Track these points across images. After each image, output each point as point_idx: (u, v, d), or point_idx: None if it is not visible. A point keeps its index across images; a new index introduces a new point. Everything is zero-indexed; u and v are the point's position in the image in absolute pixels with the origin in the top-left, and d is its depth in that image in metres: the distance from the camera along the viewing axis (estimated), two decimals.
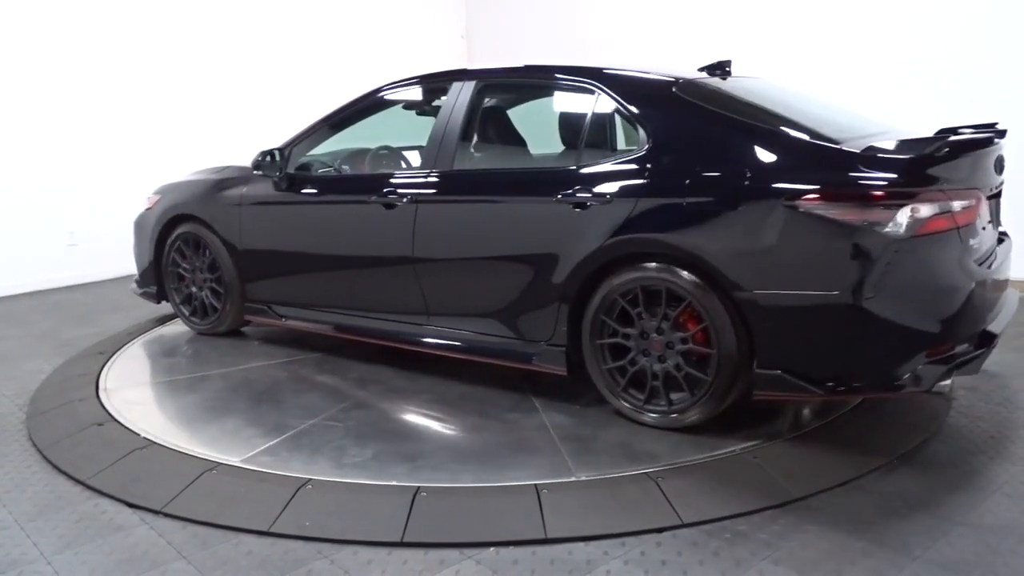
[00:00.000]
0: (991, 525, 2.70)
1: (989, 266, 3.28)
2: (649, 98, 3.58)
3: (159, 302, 5.39)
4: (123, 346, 5.01)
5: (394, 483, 3.06)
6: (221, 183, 5.00)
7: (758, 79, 4.08)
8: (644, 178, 3.39)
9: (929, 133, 3.24)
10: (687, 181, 3.27)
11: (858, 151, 3.05)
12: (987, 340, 3.17)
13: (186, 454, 3.36)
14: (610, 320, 3.48)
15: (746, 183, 3.15)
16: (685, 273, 3.25)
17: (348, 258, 4.43)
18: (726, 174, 3.21)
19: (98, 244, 7.32)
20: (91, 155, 7.25)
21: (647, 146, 3.43)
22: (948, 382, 3.03)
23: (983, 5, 5.83)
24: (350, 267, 4.45)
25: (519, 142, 4.29)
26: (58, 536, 2.81)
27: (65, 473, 3.29)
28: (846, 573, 2.46)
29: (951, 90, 5.94)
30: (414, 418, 3.78)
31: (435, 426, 3.68)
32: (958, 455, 3.24)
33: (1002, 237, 3.71)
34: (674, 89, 3.54)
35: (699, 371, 3.30)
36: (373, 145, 4.94)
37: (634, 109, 3.54)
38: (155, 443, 3.47)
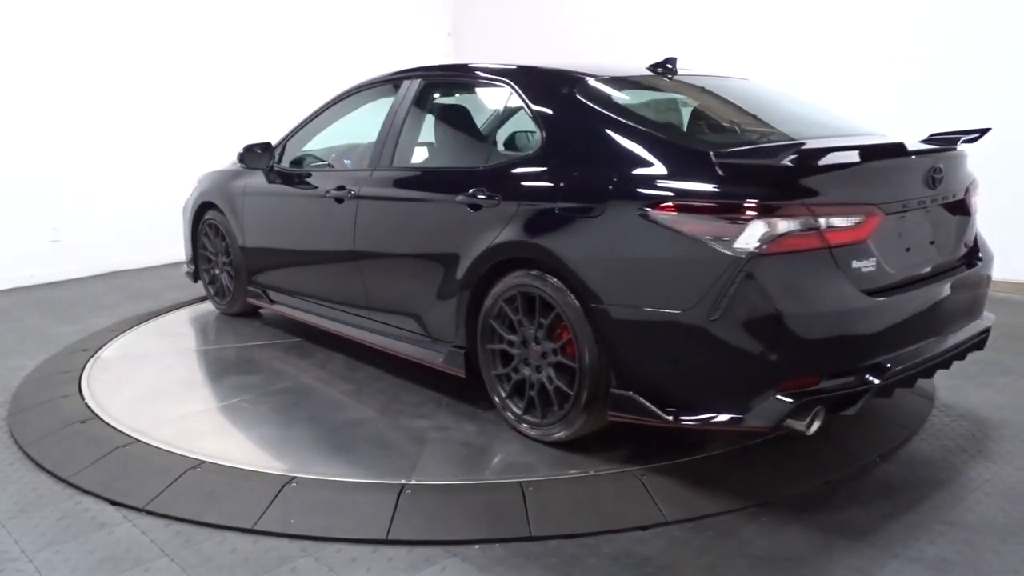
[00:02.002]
0: (972, 523, 2.73)
1: (920, 288, 3.00)
2: (549, 99, 3.46)
3: (196, 281, 5.84)
4: (107, 343, 4.98)
5: (379, 480, 3.06)
6: (235, 174, 5.23)
7: (716, 77, 4.00)
8: (529, 180, 3.33)
9: (922, 136, 3.20)
10: (562, 184, 3.20)
11: (721, 160, 2.84)
12: (878, 375, 2.79)
13: (169, 451, 3.34)
14: (499, 326, 3.43)
15: (610, 189, 3.01)
16: (554, 280, 3.16)
17: (313, 248, 4.61)
18: (595, 179, 3.09)
19: (82, 240, 7.27)
20: (77, 149, 7.19)
21: (538, 148, 3.38)
22: (807, 421, 2.68)
23: (988, 6, 5.87)
24: (314, 257, 4.62)
25: (447, 141, 4.26)
26: (40, 534, 2.79)
27: (47, 471, 3.27)
28: (828, 570, 2.47)
29: (958, 91, 5.99)
30: (317, 408, 3.86)
31: (329, 417, 3.73)
32: (940, 454, 3.27)
33: (973, 260, 3.37)
34: (574, 90, 3.41)
35: (569, 386, 3.18)
36: (368, 140, 4.98)
37: (536, 109, 3.46)
38: (139, 440, 3.46)
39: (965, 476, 3.08)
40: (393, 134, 4.10)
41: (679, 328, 2.81)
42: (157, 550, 2.67)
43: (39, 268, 7.05)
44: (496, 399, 3.51)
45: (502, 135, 3.67)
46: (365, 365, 4.43)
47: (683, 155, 3.00)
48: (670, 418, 2.89)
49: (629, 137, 3.13)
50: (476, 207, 3.46)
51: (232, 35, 8.13)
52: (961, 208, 3.30)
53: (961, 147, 3.29)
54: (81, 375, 4.36)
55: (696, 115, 3.66)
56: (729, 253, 2.68)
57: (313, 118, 4.81)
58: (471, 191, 3.48)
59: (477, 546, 2.66)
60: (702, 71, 4.03)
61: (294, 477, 3.08)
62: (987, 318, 3.51)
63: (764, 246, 2.65)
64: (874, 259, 2.84)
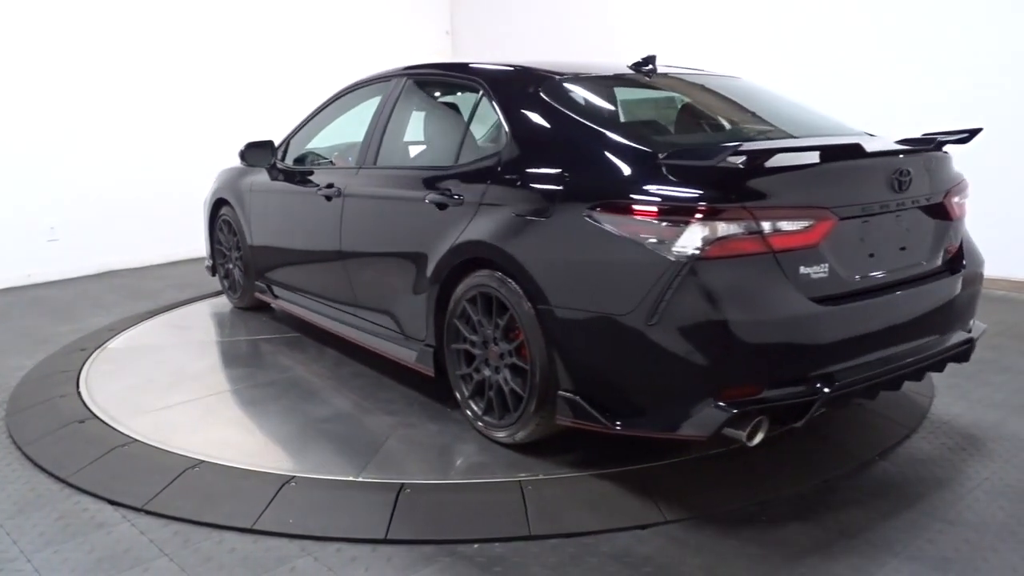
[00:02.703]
0: (971, 521, 2.73)
1: (885, 296, 2.90)
2: (515, 98, 3.42)
3: (213, 275, 5.97)
4: (104, 342, 4.98)
5: (378, 480, 3.07)
6: (244, 171, 5.31)
7: (699, 75, 3.95)
8: (490, 179, 3.30)
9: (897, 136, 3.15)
10: (519, 184, 3.18)
11: (667, 160, 2.80)
12: (828, 386, 2.70)
13: (168, 451, 3.34)
14: (462, 326, 3.42)
15: (561, 189, 2.99)
16: (509, 281, 3.12)
17: (307, 245, 4.68)
18: (548, 179, 3.07)
19: (80, 240, 7.25)
20: (74, 148, 7.17)
21: (502, 148, 3.35)
22: (748, 432, 2.62)
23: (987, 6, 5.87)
24: (309, 254, 4.68)
25: (424, 139, 4.28)
26: (39, 534, 2.79)
27: (46, 470, 3.26)
28: (827, 568, 2.47)
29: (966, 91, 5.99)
30: (293, 402, 3.93)
31: (298, 413, 3.79)
32: (939, 452, 3.27)
33: (957, 267, 3.21)
34: (539, 89, 3.37)
35: (522, 388, 3.14)
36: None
37: (503, 109, 3.43)
38: (137, 440, 3.46)
39: (964, 474, 3.08)
40: (377, 133, 4.14)
41: (619, 332, 2.76)
42: (156, 550, 2.66)
43: (37, 267, 7.04)
44: (459, 397, 3.51)
45: (473, 134, 3.67)
46: (352, 361, 4.50)
47: (632, 155, 2.93)
48: (625, 423, 2.84)
49: (584, 137, 3.10)
50: (443, 206, 3.47)
51: (230, 33, 8.12)
52: (941, 212, 3.14)
53: (938, 148, 3.16)
54: (79, 374, 4.35)
55: (662, 114, 3.63)
56: (668, 257, 2.62)
57: (313, 116, 4.88)
58: (439, 190, 3.50)
59: (476, 545, 2.65)
60: (688, 69, 4.01)
61: (293, 477, 3.08)
62: (976, 328, 3.37)
63: (703, 250, 2.58)
64: (826, 265, 2.74)
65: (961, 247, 3.29)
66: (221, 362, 4.63)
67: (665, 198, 2.69)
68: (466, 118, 3.69)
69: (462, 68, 3.88)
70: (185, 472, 3.14)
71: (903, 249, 3.02)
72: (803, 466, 3.14)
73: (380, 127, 4.14)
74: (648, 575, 2.46)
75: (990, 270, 5.80)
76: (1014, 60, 5.68)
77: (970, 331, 3.33)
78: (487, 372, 3.34)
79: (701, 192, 2.64)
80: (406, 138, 4.23)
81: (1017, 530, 2.67)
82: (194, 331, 5.31)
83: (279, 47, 8.46)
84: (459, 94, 4.01)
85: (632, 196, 2.76)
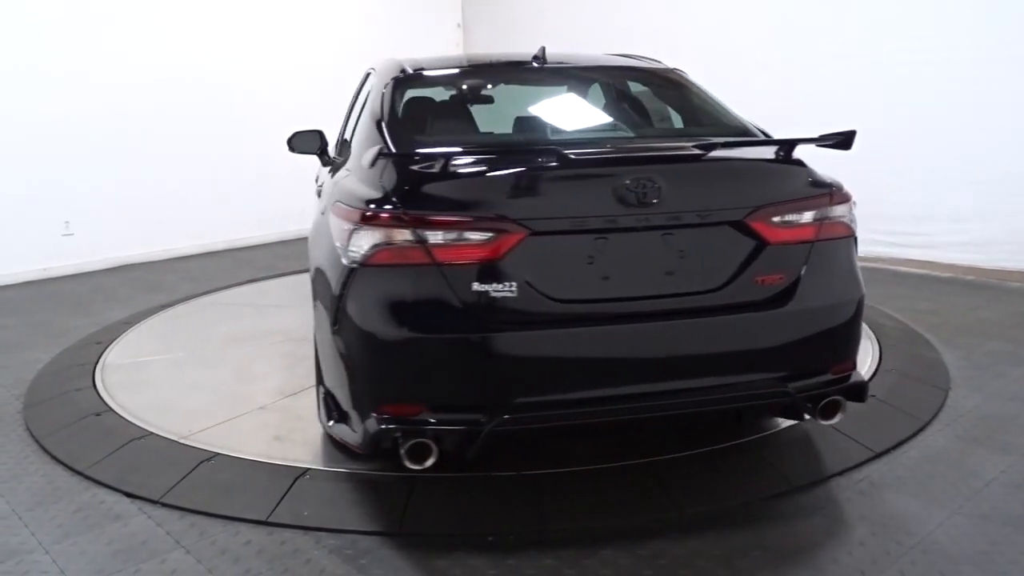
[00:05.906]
0: (986, 514, 2.72)
1: (623, 324, 2.53)
2: (378, 93, 3.36)
3: None
4: (120, 335, 5.01)
5: (392, 473, 3.08)
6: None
7: (600, 68, 3.79)
8: (332, 174, 3.34)
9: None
10: (336, 179, 3.19)
11: (368, 164, 2.79)
12: (501, 416, 2.45)
13: (184, 444, 3.36)
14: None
15: (335, 186, 3.02)
16: None
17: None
18: (340, 176, 3.10)
19: (95, 234, 7.29)
20: (88, 143, 7.19)
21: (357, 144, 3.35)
22: (403, 452, 2.46)
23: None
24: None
25: (352, 133, 4.29)
26: (56, 526, 2.82)
27: (63, 463, 3.29)
28: (840, 561, 2.47)
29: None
30: (256, 381, 4.15)
31: (244, 390, 4.01)
32: (954, 444, 3.25)
33: (782, 300, 2.62)
34: (390, 85, 3.31)
35: None
36: None
37: (370, 103, 3.40)
38: (153, 433, 3.48)
39: (980, 467, 3.06)
40: (344, 128, 4.24)
41: (326, 334, 2.74)
42: (172, 542, 2.69)
43: (52, 262, 7.07)
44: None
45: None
46: None
47: (382, 154, 2.85)
48: (324, 424, 2.84)
49: (378, 133, 3.02)
50: (319, 196, 3.53)
51: (243, 29, 8.13)
52: (749, 233, 2.62)
53: (785, 157, 2.76)
54: (95, 368, 4.39)
55: (484, 112, 3.62)
56: (344, 261, 2.57)
57: (350, 110, 4.97)
58: (320, 183, 3.56)
59: (490, 538, 2.66)
60: (593, 60, 3.89)
61: (308, 469, 3.10)
62: (854, 377, 2.79)
63: (365, 257, 2.49)
64: (514, 284, 2.44)
65: (798, 279, 2.65)
66: (245, 334, 4.82)
67: (352, 200, 2.65)
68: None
69: (384, 64, 3.77)
70: (200, 465, 3.16)
71: (669, 274, 2.58)
72: (816, 459, 3.13)
73: (351, 121, 4.23)
74: (664, 567, 2.47)
75: (1005, 262, 5.80)
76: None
77: (842, 382, 2.76)
78: None
79: (378, 195, 2.58)
80: (349, 133, 4.30)
81: None
82: (206, 317, 5.35)
83: (291, 42, 8.47)
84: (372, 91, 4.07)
85: (343, 196, 2.77)
